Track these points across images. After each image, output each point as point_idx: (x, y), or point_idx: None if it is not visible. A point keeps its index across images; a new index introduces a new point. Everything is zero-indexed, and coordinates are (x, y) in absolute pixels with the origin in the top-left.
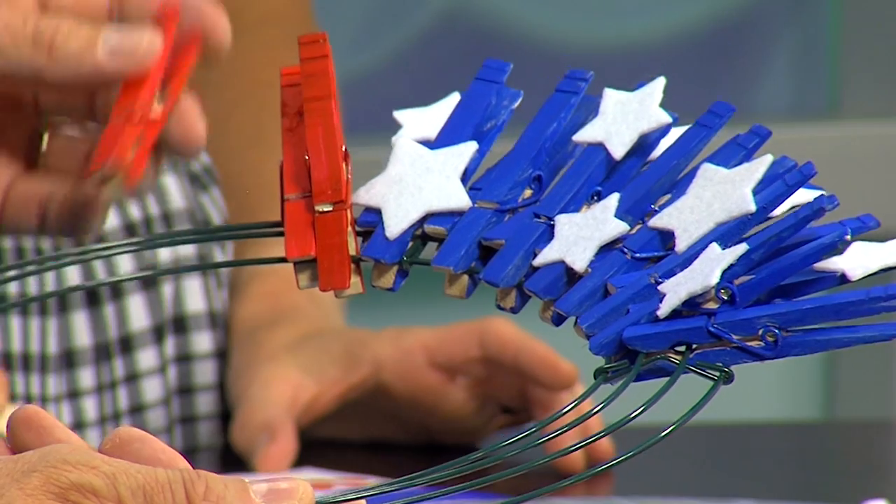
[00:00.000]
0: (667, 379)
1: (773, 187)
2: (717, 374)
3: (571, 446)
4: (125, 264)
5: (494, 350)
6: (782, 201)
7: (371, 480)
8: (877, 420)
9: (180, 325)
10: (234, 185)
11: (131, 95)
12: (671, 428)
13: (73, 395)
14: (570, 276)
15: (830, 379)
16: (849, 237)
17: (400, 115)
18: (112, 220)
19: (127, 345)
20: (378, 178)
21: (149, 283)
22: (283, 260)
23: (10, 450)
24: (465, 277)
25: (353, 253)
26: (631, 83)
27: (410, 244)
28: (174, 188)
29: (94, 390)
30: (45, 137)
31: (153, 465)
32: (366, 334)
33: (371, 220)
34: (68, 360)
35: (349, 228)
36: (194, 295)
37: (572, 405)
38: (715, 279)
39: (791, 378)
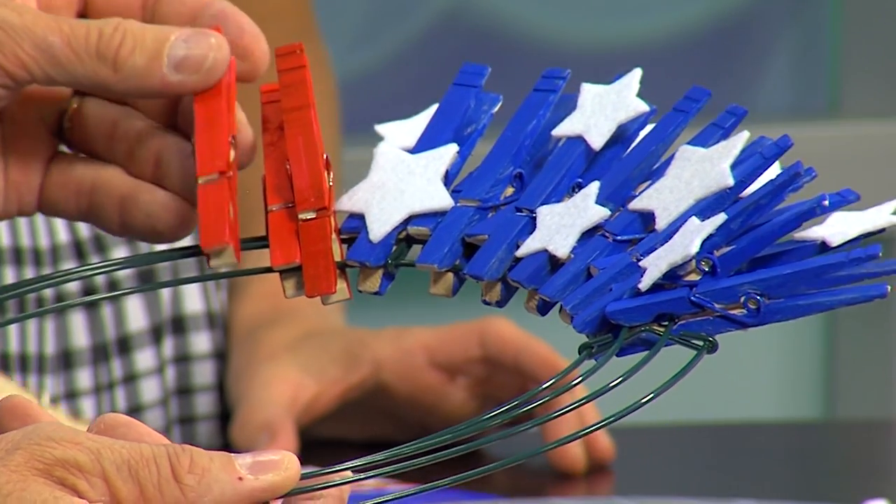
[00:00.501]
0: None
1: (750, 161)
2: (701, 342)
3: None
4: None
5: (495, 350)
6: (760, 174)
7: (371, 480)
8: (877, 420)
9: (179, 325)
10: None
11: (212, 140)
12: (651, 395)
13: (71, 395)
14: (554, 263)
15: (830, 378)
16: (826, 202)
17: (381, 127)
18: None
19: (124, 345)
20: (360, 184)
21: (146, 283)
22: (268, 269)
23: None
24: (450, 275)
25: (338, 259)
26: None
27: (395, 247)
28: None
29: (91, 391)
30: (71, 109)
31: None
32: (366, 334)
33: (354, 226)
34: (66, 360)
35: (333, 235)
36: (192, 295)
37: (553, 380)
38: (695, 248)
39: (791, 377)
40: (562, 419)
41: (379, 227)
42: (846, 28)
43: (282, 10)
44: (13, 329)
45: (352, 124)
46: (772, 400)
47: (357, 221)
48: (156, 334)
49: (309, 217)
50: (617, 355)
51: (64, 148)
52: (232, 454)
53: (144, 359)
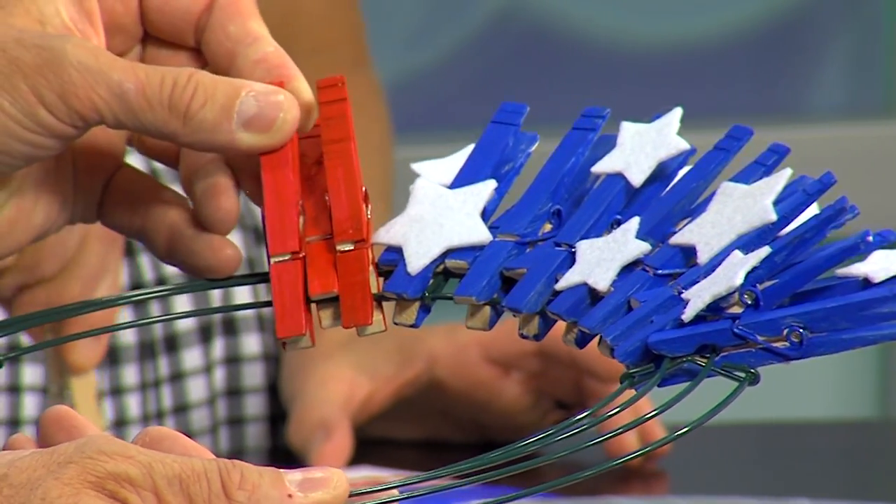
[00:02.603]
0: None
1: (792, 198)
2: (743, 374)
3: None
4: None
5: (549, 343)
6: (802, 210)
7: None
8: None
9: (230, 326)
10: None
11: (283, 216)
12: (688, 428)
13: (117, 391)
14: (594, 296)
15: (885, 377)
16: (871, 238)
17: (417, 166)
18: None
19: (172, 344)
20: (397, 218)
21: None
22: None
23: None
24: (487, 308)
25: (375, 291)
26: (686, 82)
27: (432, 280)
28: None
29: (137, 388)
30: None
31: None
32: (419, 330)
33: (392, 259)
34: (112, 356)
35: (371, 267)
36: (243, 297)
37: (595, 408)
38: (739, 280)
39: (846, 376)
40: (619, 422)
41: (417, 260)
42: None
43: (336, 41)
44: None
45: (406, 124)
46: (827, 399)
47: (394, 254)
48: (204, 334)
49: (347, 248)
50: (658, 385)
51: (131, 161)
52: (281, 470)
53: (192, 358)
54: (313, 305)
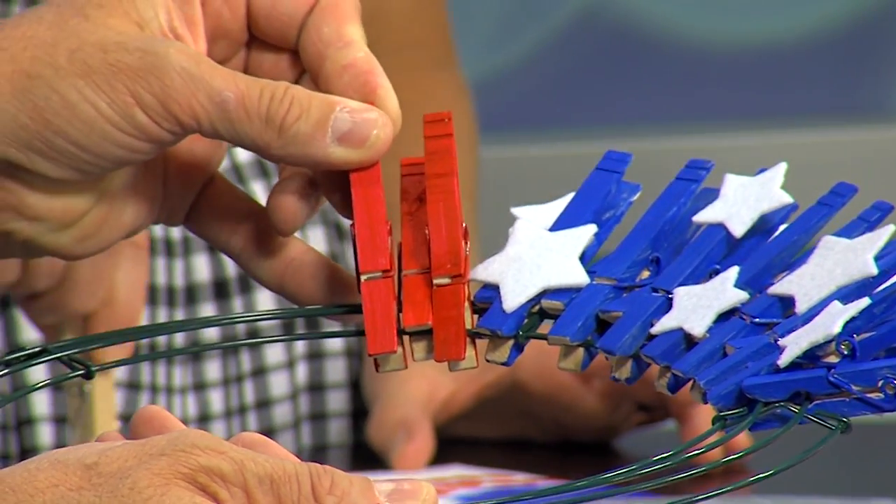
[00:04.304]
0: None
1: (894, 254)
2: (835, 423)
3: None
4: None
5: None
6: None
7: (519, 477)
8: None
9: (312, 321)
10: None
11: (373, 235)
12: (772, 471)
13: (200, 387)
14: (688, 342)
15: None
16: None
17: (517, 210)
18: None
19: (254, 339)
20: (496, 256)
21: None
22: (401, 332)
23: None
24: (581, 350)
25: (468, 326)
26: (768, 82)
27: (526, 319)
28: None
29: (220, 383)
30: None
31: None
32: None
33: (488, 296)
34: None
35: (466, 302)
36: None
37: (685, 446)
38: (837, 328)
39: None
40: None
41: (513, 298)
42: None
43: (424, 39)
44: (144, 319)
45: (489, 123)
46: None
47: (490, 292)
48: (286, 329)
49: (444, 283)
50: (750, 429)
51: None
52: (371, 478)
53: (274, 353)
54: (406, 337)
